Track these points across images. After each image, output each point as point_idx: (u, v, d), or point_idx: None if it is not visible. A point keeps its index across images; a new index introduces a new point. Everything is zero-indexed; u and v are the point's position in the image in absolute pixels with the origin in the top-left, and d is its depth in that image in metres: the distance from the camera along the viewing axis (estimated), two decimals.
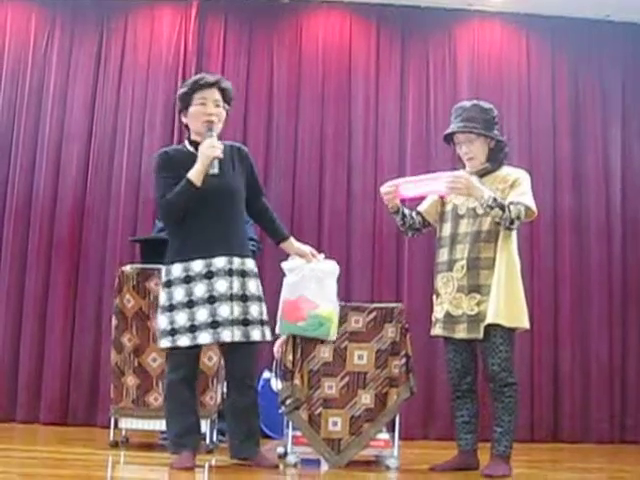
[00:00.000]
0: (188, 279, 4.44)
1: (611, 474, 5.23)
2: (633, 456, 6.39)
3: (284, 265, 4.86)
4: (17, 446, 5.37)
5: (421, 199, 4.99)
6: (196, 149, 4.52)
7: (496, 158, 4.81)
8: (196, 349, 4.51)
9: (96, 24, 7.19)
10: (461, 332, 4.70)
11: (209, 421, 5.23)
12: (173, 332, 4.43)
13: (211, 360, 5.22)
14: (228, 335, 4.43)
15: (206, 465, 4.73)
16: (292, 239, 4.83)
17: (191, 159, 4.48)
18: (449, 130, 4.92)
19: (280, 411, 4.87)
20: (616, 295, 7.24)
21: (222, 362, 5.29)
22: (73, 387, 6.69)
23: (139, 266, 5.44)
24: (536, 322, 6.62)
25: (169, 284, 4.47)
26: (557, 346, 7.11)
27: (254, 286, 4.57)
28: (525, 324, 4.74)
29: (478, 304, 4.65)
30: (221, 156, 4.47)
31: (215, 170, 4.43)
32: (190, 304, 4.42)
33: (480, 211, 4.70)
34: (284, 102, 7.21)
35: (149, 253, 5.50)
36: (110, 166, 7.00)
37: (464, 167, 4.89)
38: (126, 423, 5.37)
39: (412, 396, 4.93)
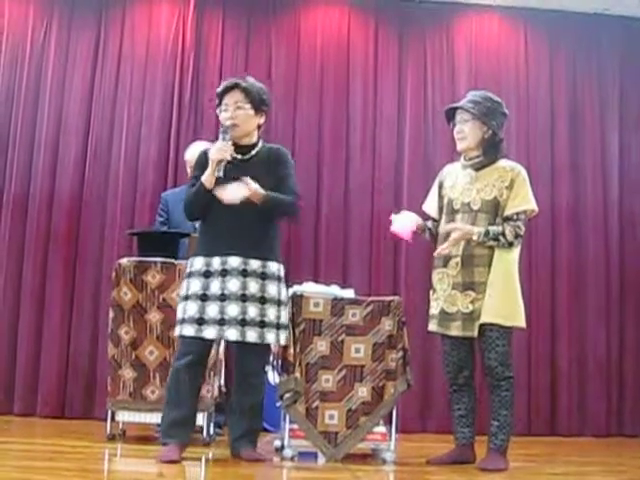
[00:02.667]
0: (208, 274, 4.54)
1: (608, 468, 5.23)
2: (630, 450, 6.40)
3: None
4: (14, 439, 5.38)
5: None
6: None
7: (490, 151, 4.80)
8: (205, 340, 4.53)
9: (94, 15, 7.17)
10: (455, 329, 4.71)
11: (206, 414, 5.22)
12: (182, 321, 4.53)
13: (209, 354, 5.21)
14: (233, 334, 4.50)
15: (202, 458, 4.74)
16: None
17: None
18: (447, 107, 4.97)
19: (277, 404, 4.87)
20: (613, 289, 7.25)
21: (220, 356, 5.33)
22: (70, 380, 6.69)
23: (136, 259, 5.43)
24: (533, 316, 6.63)
25: (189, 275, 4.59)
26: (554, 340, 7.12)
27: (274, 289, 4.62)
28: (521, 323, 4.74)
29: (473, 302, 4.66)
30: (227, 159, 4.52)
31: (220, 173, 4.51)
32: (204, 297, 4.51)
33: (475, 207, 4.71)
34: (282, 95, 7.19)
35: (146, 246, 5.48)
36: (108, 158, 6.99)
37: (460, 156, 4.91)
38: (123, 416, 5.37)
39: (409, 389, 4.94)
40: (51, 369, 6.67)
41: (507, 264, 4.70)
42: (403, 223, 4.87)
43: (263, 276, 4.58)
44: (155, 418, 5.24)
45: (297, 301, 4.87)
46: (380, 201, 7.10)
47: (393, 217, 4.91)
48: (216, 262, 4.54)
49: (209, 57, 7.17)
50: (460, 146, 4.84)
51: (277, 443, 5.09)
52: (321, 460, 4.82)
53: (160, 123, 7.02)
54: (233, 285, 4.51)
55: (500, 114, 4.84)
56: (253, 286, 4.54)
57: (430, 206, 5.03)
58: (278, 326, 4.62)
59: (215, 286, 4.51)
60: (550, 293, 7.16)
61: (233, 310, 4.49)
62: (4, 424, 6.11)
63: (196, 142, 6.24)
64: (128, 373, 5.32)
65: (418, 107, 7.31)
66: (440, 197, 4.96)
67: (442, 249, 4.69)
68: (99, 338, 6.59)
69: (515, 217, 4.70)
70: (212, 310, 4.49)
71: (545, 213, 6.81)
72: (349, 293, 5.08)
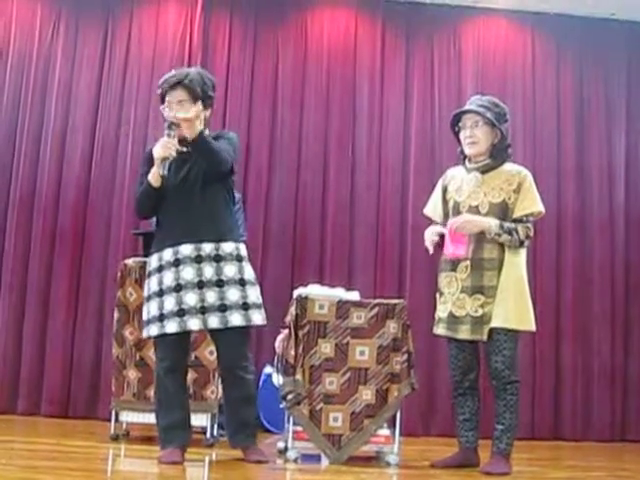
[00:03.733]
0: (160, 268, 4.47)
1: (611, 473, 5.23)
2: (634, 455, 6.40)
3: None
4: (18, 438, 5.37)
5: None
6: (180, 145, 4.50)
7: (498, 155, 4.79)
8: (177, 338, 4.44)
9: (101, 17, 7.18)
10: (464, 333, 4.70)
11: (210, 415, 5.23)
12: (147, 322, 4.48)
13: (212, 354, 5.20)
14: (195, 323, 4.40)
15: (206, 460, 4.74)
16: None
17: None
18: (458, 110, 4.93)
19: (281, 406, 4.87)
20: (619, 294, 7.24)
21: None
22: (74, 380, 6.69)
23: (142, 259, 5.42)
24: (538, 320, 6.49)
25: (149, 275, 4.54)
26: (559, 344, 7.11)
27: (232, 270, 4.48)
28: (531, 327, 4.74)
29: (482, 305, 4.65)
30: (172, 155, 4.42)
31: (164, 172, 4.43)
32: (160, 293, 4.45)
33: (483, 210, 4.71)
34: (289, 97, 7.20)
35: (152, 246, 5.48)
36: (114, 159, 7.00)
37: (464, 160, 4.90)
38: (127, 416, 5.38)
39: (413, 392, 4.94)
40: (55, 368, 6.68)
41: (517, 268, 4.69)
42: (456, 237, 4.74)
43: (217, 258, 4.45)
44: None
45: (302, 303, 4.87)
46: (386, 203, 7.10)
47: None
48: (167, 254, 4.45)
49: (216, 59, 7.17)
50: (471, 150, 4.81)
51: (281, 445, 5.08)
52: (325, 462, 4.81)
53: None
54: (187, 273, 4.41)
55: (505, 117, 4.84)
56: (208, 271, 4.43)
57: (433, 210, 5.00)
58: (245, 306, 4.47)
59: (169, 278, 4.42)
60: (555, 297, 7.16)
61: (191, 299, 4.39)
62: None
63: None
64: (132, 373, 5.33)
65: (425, 109, 7.31)
66: (445, 201, 4.94)
67: (454, 222, 4.65)
68: (104, 338, 6.59)
69: (525, 219, 4.71)
70: (169, 303, 4.39)
71: (551, 216, 6.80)
72: (354, 295, 5.08)
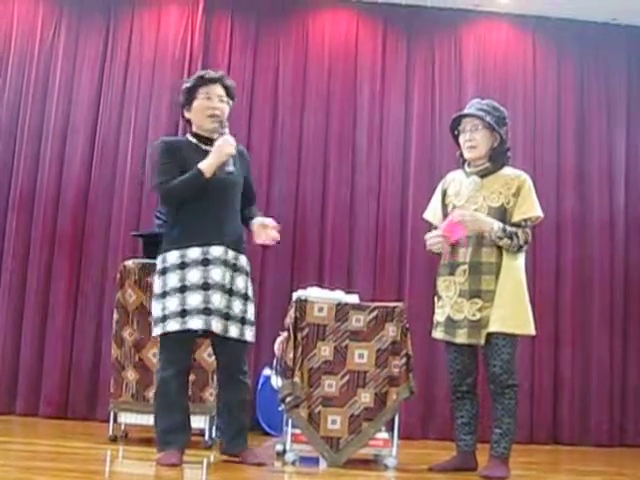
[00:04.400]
0: (183, 265, 4.43)
1: (610, 477, 5.23)
2: (632, 459, 6.39)
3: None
4: (16, 439, 5.39)
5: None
6: (199, 141, 4.58)
7: (497, 159, 4.80)
8: (189, 339, 4.47)
9: (103, 18, 7.18)
10: (461, 337, 4.70)
11: (208, 417, 5.23)
12: (164, 318, 4.41)
13: (211, 357, 5.19)
14: (218, 327, 4.41)
15: (204, 462, 4.74)
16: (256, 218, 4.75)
17: (194, 150, 4.54)
18: (458, 113, 4.94)
19: (280, 409, 4.87)
20: (618, 298, 7.24)
21: None
22: (73, 381, 6.69)
23: (141, 261, 5.44)
24: (537, 323, 6.51)
25: (164, 271, 4.46)
26: (558, 348, 7.11)
27: (242, 283, 4.55)
28: (531, 331, 4.74)
29: (480, 310, 4.65)
30: (234, 153, 4.52)
31: (230, 168, 4.49)
32: (183, 289, 4.40)
33: (482, 214, 4.71)
34: (289, 99, 7.21)
35: (151, 248, 5.47)
36: (114, 160, 7.00)
37: (464, 164, 4.90)
38: (125, 418, 5.39)
39: (412, 396, 4.94)
40: (54, 369, 6.68)
41: (515, 272, 4.70)
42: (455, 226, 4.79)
43: (235, 268, 4.52)
44: None
45: (301, 306, 4.88)
46: (386, 206, 7.11)
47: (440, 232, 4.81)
48: (193, 252, 4.42)
49: (217, 60, 7.16)
50: (470, 154, 4.82)
51: (279, 447, 5.09)
52: (323, 465, 4.82)
53: (167, 125, 7.02)
54: (216, 274, 4.42)
55: (504, 120, 4.84)
56: (227, 277, 4.47)
57: (433, 215, 5.00)
58: (243, 321, 4.52)
59: (194, 276, 4.40)
60: (554, 300, 7.16)
61: (217, 300, 4.40)
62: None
63: None
64: (131, 375, 5.33)
65: (425, 112, 7.31)
66: (444, 205, 4.94)
67: (458, 214, 4.65)
68: (103, 339, 6.59)
69: (523, 224, 4.71)
70: (194, 299, 4.37)
71: (551, 219, 6.80)
72: (353, 298, 5.09)
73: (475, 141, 4.78)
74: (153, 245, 5.46)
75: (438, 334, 4.83)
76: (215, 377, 5.15)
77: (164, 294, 4.43)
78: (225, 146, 4.49)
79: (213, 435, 5.32)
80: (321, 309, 4.88)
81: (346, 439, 4.81)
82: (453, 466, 4.78)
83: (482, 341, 4.65)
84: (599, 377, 7.10)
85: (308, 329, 4.86)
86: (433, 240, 4.76)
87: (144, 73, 7.12)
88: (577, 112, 7.44)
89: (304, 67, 7.29)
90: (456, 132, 4.92)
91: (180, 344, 4.44)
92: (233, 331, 4.46)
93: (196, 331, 4.43)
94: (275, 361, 5.12)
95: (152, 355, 5.31)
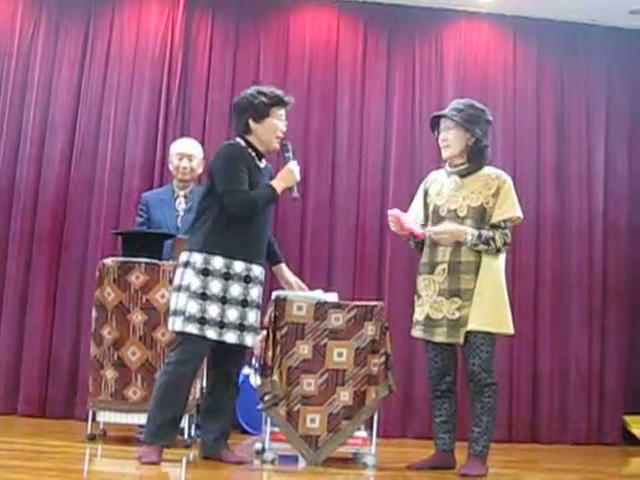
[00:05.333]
0: (228, 276, 4.54)
1: (587, 475, 5.26)
2: (609, 458, 6.44)
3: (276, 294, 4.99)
4: None
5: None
6: (256, 155, 4.73)
7: (475, 158, 4.82)
8: (209, 347, 4.58)
9: (82, 14, 7.14)
10: (441, 335, 4.72)
11: (187, 416, 5.21)
12: (203, 321, 4.48)
13: None
14: (250, 340, 4.63)
15: (183, 460, 4.74)
16: (284, 265, 5.06)
17: (253, 164, 4.69)
18: (432, 115, 5.00)
19: (259, 407, 4.87)
20: (596, 299, 7.27)
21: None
22: (52, 379, 6.66)
23: (120, 259, 5.42)
24: (516, 323, 6.51)
25: (206, 273, 4.52)
26: (536, 348, 7.14)
27: (257, 293, 4.70)
28: (509, 330, 4.76)
29: (459, 309, 4.67)
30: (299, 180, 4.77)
31: (296, 195, 4.75)
32: (224, 300, 4.52)
33: (461, 214, 4.73)
34: None
35: (130, 246, 5.47)
36: (94, 157, 6.96)
37: (445, 164, 4.93)
38: (104, 416, 5.36)
39: (391, 394, 4.95)
40: (33, 368, 6.64)
41: (494, 272, 4.72)
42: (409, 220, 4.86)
43: (261, 282, 4.72)
44: (136, 419, 5.25)
45: (280, 304, 4.88)
46: (366, 205, 7.11)
47: (398, 214, 4.88)
48: (238, 266, 4.56)
49: (197, 58, 7.16)
50: (445, 154, 4.86)
51: (258, 446, 5.09)
52: (302, 464, 4.82)
53: (147, 123, 7.00)
54: (254, 293, 4.63)
55: (484, 121, 4.86)
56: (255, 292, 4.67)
57: (415, 214, 5.03)
58: (253, 328, 4.68)
59: (236, 290, 4.55)
60: (533, 300, 7.18)
61: (252, 317, 4.62)
62: None
63: (184, 138, 6.34)
64: (110, 373, 5.31)
65: (405, 112, 7.32)
66: (425, 205, 4.97)
67: (432, 230, 4.70)
68: (82, 338, 6.56)
69: (503, 225, 4.73)
70: (232, 314, 4.54)
71: (530, 221, 6.83)
72: (333, 297, 5.09)
73: (448, 140, 4.82)
74: (133, 243, 5.49)
75: (417, 333, 4.85)
76: (206, 378, 5.15)
77: (204, 296, 4.51)
78: (296, 172, 4.73)
79: (192, 434, 5.31)
80: (300, 308, 4.88)
81: (325, 437, 4.82)
82: (431, 464, 4.80)
83: (461, 340, 4.67)
84: (577, 377, 7.14)
85: (287, 328, 4.86)
86: (390, 219, 4.88)
87: (124, 70, 7.09)
88: (557, 113, 7.47)
89: (284, 65, 7.28)
90: (436, 133, 4.96)
91: (201, 346, 4.53)
92: (249, 340, 4.65)
93: None
94: (254, 360, 5.12)
95: (131, 354, 5.29)
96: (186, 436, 5.23)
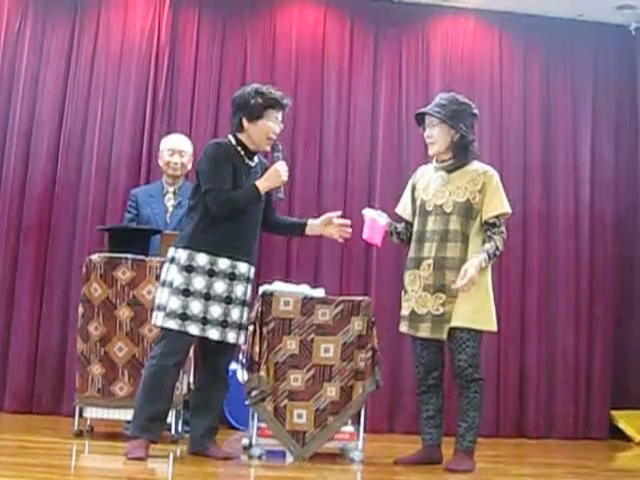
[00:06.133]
0: (212, 272, 4.54)
1: (573, 470, 5.28)
2: (596, 452, 6.45)
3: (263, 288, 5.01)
4: None
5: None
6: (246, 154, 4.70)
7: (461, 153, 4.83)
8: (193, 341, 4.61)
9: (69, 10, 7.11)
10: (425, 331, 4.73)
11: (174, 411, 5.21)
12: (184, 317, 4.49)
13: None
14: (233, 337, 4.62)
15: (170, 455, 4.73)
16: (310, 220, 4.99)
17: (241, 162, 4.68)
18: (416, 112, 5.02)
19: (246, 403, 4.87)
20: (583, 294, 7.30)
21: (190, 354, 5.28)
22: (38, 375, 6.64)
23: (107, 255, 5.40)
24: (503, 319, 6.64)
25: (190, 269, 4.52)
26: (523, 343, 7.16)
27: (248, 291, 4.71)
28: (492, 327, 4.77)
29: (443, 304, 4.68)
30: (286, 180, 4.73)
31: (281, 195, 4.73)
32: (207, 296, 4.53)
33: (447, 209, 4.74)
34: None
35: (117, 242, 5.46)
36: (80, 153, 6.94)
37: (432, 159, 4.94)
38: (91, 412, 5.35)
39: (378, 389, 4.96)
40: (20, 364, 6.63)
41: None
42: (374, 225, 4.87)
43: (249, 280, 4.70)
44: (123, 415, 5.24)
45: (267, 300, 4.88)
46: (353, 201, 7.11)
47: (365, 213, 4.92)
48: (223, 263, 4.56)
49: (184, 55, 7.15)
50: (431, 150, 4.88)
51: (245, 441, 5.10)
52: (289, 459, 4.83)
53: (133, 120, 6.98)
54: (239, 291, 4.62)
55: (469, 115, 4.86)
56: (248, 291, 4.69)
57: (403, 209, 5.04)
58: (240, 326, 4.68)
59: (220, 287, 4.55)
60: (520, 295, 7.20)
61: (235, 314, 4.60)
62: None
63: (175, 133, 6.35)
64: (97, 369, 5.30)
65: (392, 108, 7.32)
66: (413, 199, 4.98)
67: (460, 288, 4.62)
68: (68, 334, 6.53)
69: (498, 222, 4.74)
70: (216, 311, 4.54)
71: (517, 215, 6.80)
72: (319, 292, 5.09)
73: (433, 137, 4.84)
74: (119, 239, 5.48)
75: (403, 327, 4.87)
76: (182, 371, 5.15)
77: (187, 292, 4.51)
78: (283, 173, 4.67)
79: (180, 430, 5.31)
80: (287, 303, 4.88)
81: (312, 433, 4.82)
82: (418, 459, 4.81)
83: (444, 336, 4.68)
84: (564, 371, 7.17)
85: (274, 323, 4.86)
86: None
87: (111, 66, 7.07)
88: (543, 107, 7.49)
89: (271, 62, 7.27)
90: (422, 129, 4.97)
91: (183, 341, 4.55)
92: (231, 337, 4.62)
93: None
94: (241, 355, 5.11)
95: (118, 349, 5.29)
96: (173, 432, 5.22)
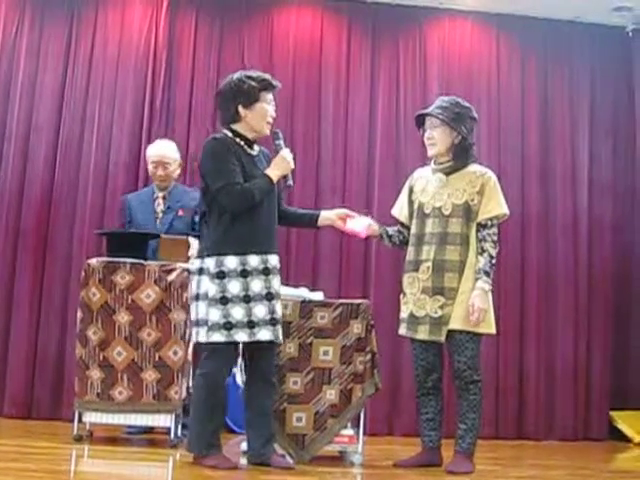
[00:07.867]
0: (245, 273, 4.40)
1: (573, 471, 5.27)
2: (596, 454, 6.46)
3: None
4: None
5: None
6: (246, 144, 4.57)
7: (460, 156, 4.83)
8: (236, 347, 4.51)
9: (66, 13, 7.12)
10: (423, 333, 4.73)
11: (173, 415, 5.21)
12: (229, 326, 4.35)
13: (176, 354, 5.20)
14: (280, 334, 4.48)
15: (170, 460, 4.73)
16: (323, 212, 4.93)
17: (243, 153, 4.54)
18: (417, 113, 5.00)
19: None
20: (582, 294, 7.30)
21: (188, 357, 5.27)
22: (38, 380, 6.63)
23: (105, 259, 5.39)
24: (502, 320, 6.64)
25: (221, 275, 4.39)
26: (523, 344, 7.16)
27: (279, 283, 4.59)
28: (491, 330, 4.76)
29: (442, 307, 4.68)
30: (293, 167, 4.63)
31: (291, 182, 4.63)
32: (247, 299, 4.39)
33: (446, 212, 4.74)
34: None
35: (115, 247, 5.45)
36: (78, 157, 6.94)
37: (431, 161, 4.93)
38: (90, 417, 5.33)
39: (377, 392, 4.96)
40: (18, 369, 6.62)
41: None
42: (359, 223, 4.89)
43: (276, 270, 4.56)
44: (122, 419, 5.24)
45: None
46: (351, 203, 7.07)
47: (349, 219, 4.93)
48: (253, 260, 4.42)
49: (181, 58, 7.15)
50: (430, 152, 4.87)
51: (245, 445, 5.07)
52: (289, 462, 4.80)
53: (131, 122, 6.99)
54: (276, 284, 4.48)
55: (469, 119, 4.86)
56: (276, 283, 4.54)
57: (399, 211, 5.04)
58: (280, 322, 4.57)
59: (257, 285, 4.41)
60: (519, 297, 7.21)
61: (279, 309, 4.48)
62: None
63: (159, 140, 6.31)
64: (96, 374, 5.29)
65: (390, 109, 7.33)
66: (410, 202, 4.97)
67: (474, 321, 4.64)
68: (67, 338, 6.53)
69: (489, 224, 4.74)
70: (260, 311, 4.40)
71: (515, 217, 6.83)
72: (318, 295, 5.08)
73: (434, 139, 4.83)
74: (117, 243, 5.48)
75: (402, 330, 4.87)
76: (180, 375, 5.13)
77: (225, 300, 4.38)
78: (290, 160, 4.58)
79: (179, 433, 5.30)
80: (285, 306, 4.86)
81: (311, 436, 4.82)
82: (418, 462, 4.80)
83: (442, 338, 4.68)
84: (563, 373, 7.17)
85: None
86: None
87: (108, 71, 7.07)
88: (541, 109, 7.49)
89: (269, 64, 7.24)
90: (421, 131, 4.96)
91: (230, 352, 4.47)
92: (281, 335, 4.51)
93: None
94: (240, 358, 5.10)
95: (117, 354, 5.27)
96: (172, 436, 5.21)
